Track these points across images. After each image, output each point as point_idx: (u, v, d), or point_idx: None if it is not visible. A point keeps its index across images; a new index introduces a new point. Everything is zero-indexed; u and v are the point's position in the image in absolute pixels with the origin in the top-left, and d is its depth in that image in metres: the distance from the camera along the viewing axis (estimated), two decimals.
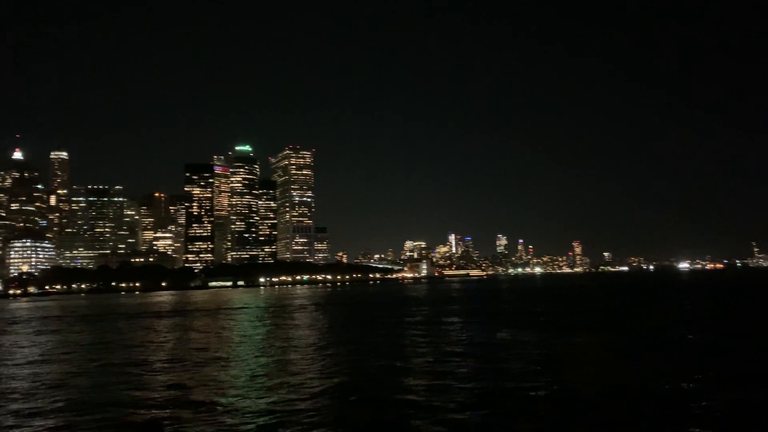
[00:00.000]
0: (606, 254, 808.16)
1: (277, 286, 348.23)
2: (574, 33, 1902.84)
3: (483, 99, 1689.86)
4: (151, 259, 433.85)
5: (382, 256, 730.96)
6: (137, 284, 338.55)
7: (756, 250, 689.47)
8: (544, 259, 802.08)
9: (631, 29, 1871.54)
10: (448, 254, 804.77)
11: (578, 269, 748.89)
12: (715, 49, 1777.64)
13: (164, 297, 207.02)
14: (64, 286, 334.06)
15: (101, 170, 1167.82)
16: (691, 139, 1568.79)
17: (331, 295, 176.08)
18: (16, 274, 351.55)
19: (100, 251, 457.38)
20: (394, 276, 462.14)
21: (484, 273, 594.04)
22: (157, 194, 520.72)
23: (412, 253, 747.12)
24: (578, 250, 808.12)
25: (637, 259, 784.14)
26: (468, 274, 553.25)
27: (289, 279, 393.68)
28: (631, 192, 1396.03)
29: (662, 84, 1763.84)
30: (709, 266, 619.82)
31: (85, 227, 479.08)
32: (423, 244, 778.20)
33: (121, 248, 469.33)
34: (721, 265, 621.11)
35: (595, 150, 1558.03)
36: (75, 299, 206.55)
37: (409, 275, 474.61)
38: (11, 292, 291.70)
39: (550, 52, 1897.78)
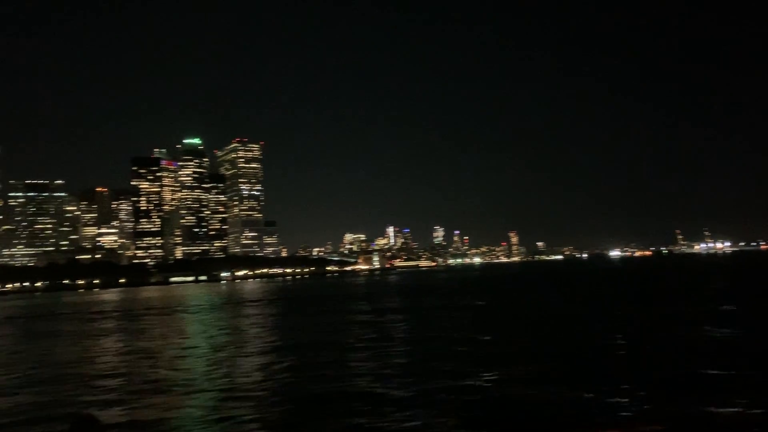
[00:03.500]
0: (540, 244, 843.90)
1: (237, 281, 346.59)
2: (507, 22, 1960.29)
3: (420, 92, 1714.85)
4: (98, 256, 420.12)
5: (322, 249, 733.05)
6: (95, 281, 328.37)
7: (680, 237, 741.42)
8: (482, 249, 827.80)
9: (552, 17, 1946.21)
10: (387, 246, 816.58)
11: (515, 258, 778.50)
12: (649, 38, 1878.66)
13: (145, 293, 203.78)
14: (15, 285, 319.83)
15: (36, 165, 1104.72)
16: (623, 130, 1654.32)
17: (299, 288, 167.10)
18: None
19: (42, 248, 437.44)
20: (350, 268, 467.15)
21: (434, 263, 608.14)
22: (98, 189, 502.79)
23: (351, 246, 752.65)
24: (514, 240, 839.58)
25: (569, 249, 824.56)
26: (417, 265, 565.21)
27: (249, 273, 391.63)
28: (562, 182, 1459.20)
29: (592, 72, 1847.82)
30: (638, 253, 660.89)
31: (24, 224, 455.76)
32: (362, 236, 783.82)
33: (63, 245, 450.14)
34: (649, 252, 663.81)
35: (526, 141, 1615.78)
36: (39, 298, 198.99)
37: (364, 267, 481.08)
38: None
39: (482, 43, 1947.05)
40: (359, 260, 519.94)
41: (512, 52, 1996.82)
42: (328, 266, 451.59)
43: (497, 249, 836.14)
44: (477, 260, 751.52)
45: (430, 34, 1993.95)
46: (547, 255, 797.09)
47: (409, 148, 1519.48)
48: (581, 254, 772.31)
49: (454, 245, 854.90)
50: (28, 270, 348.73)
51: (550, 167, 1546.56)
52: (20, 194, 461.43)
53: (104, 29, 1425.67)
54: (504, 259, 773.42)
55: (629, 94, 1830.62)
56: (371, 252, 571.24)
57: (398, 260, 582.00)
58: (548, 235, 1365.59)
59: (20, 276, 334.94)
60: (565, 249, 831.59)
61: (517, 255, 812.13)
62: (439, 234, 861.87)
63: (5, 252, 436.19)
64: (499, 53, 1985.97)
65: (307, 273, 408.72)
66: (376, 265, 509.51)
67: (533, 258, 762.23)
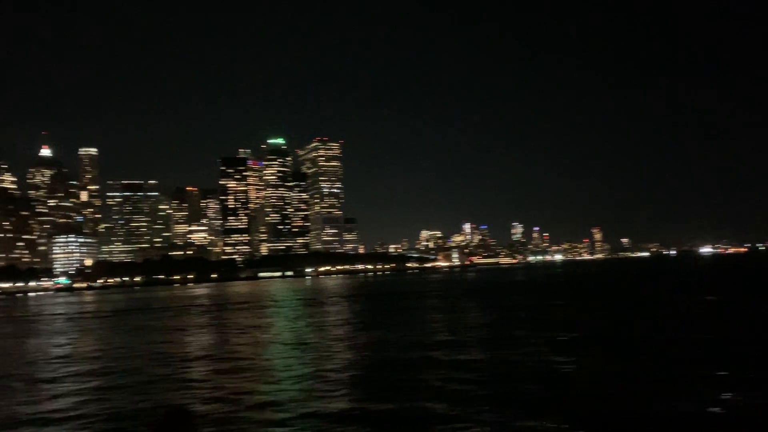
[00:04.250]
0: (624, 240, 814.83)
1: (321, 276, 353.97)
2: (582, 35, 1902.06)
3: (502, 90, 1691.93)
4: (189, 252, 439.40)
5: (398, 246, 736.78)
6: (189, 276, 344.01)
7: None
8: (563, 246, 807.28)
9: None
10: (464, 243, 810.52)
11: (599, 256, 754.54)
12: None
13: (235, 288, 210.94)
14: (117, 280, 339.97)
15: (128, 165, 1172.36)
16: (707, 126, 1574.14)
17: (386, 284, 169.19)
18: (74, 269, 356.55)
19: (137, 245, 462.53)
20: (430, 265, 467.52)
21: (515, 260, 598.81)
22: (188, 188, 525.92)
23: (427, 243, 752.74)
24: (598, 236, 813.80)
25: (656, 245, 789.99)
26: (498, 262, 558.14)
27: (331, 269, 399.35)
28: (647, 176, 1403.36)
29: (672, 72, 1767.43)
30: (731, 250, 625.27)
31: (121, 222, 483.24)
32: (438, 233, 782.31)
33: (157, 242, 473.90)
34: (744, 249, 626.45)
35: (609, 136, 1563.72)
36: (143, 292, 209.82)
37: (444, 264, 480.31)
38: (76, 285, 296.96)
39: (563, 51, 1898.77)
40: (439, 257, 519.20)
41: (603, 54, 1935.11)
42: (407, 263, 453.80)
43: (579, 246, 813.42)
44: (558, 257, 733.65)
45: (521, 35, 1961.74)
46: (632, 252, 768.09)
47: (487, 144, 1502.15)
48: (669, 251, 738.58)
49: (533, 242, 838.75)
50: (127, 266, 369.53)
51: (633, 160, 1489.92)
52: (117, 194, 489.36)
53: (193, 35, 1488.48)
54: (587, 257, 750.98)
55: (721, 87, 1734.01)
56: (450, 249, 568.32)
57: (477, 257, 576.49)
58: (633, 231, 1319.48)
59: (120, 271, 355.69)
60: (652, 246, 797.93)
61: (601, 252, 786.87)
62: (517, 230, 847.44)
63: (104, 249, 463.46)
64: (583, 56, 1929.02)
65: (387, 269, 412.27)
66: (456, 261, 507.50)
67: (617, 255, 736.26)
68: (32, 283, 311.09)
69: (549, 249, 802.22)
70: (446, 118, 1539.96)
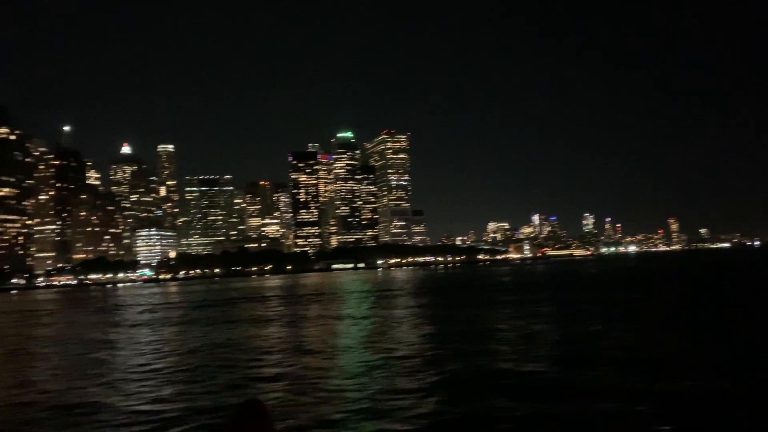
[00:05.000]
0: (703, 231, 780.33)
1: (391, 268, 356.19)
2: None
3: (571, 81, 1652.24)
4: (263, 245, 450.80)
5: (465, 238, 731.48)
6: (265, 268, 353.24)
7: None
8: (638, 237, 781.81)
9: None
10: (533, 234, 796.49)
11: (675, 247, 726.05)
12: None
13: (311, 279, 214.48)
14: (197, 271, 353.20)
15: (202, 161, 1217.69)
16: None
17: (459, 276, 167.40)
18: (156, 261, 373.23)
19: (214, 238, 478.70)
20: (502, 257, 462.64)
21: (589, 252, 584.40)
22: (261, 182, 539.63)
23: (495, 235, 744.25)
24: (674, 226, 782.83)
25: (737, 235, 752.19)
26: (571, 254, 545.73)
27: (401, 261, 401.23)
28: (726, 162, 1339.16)
29: (742, 57, 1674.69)
30: None
31: (198, 216, 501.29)
32: (506, 225, 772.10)
33: (232, 235, 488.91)
34: None
35: (684, 119, 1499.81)
36: (223, 283, 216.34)
37: (515, 256, 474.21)
38: (162, 276, 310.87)
39: (637, 36, 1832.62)
40: (510, 249, 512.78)
41: (677, 43, 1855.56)
42: (478, 255, 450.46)
43: (654, 237, 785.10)
44: (632, 249, 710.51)
45: (589, 32, 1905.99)
46: (712, 243, 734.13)
47: (554, 133, 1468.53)
48: (752, 241, 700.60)
49: (605, 233, 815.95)
50: (206, 258, 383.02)
51: (713, 145, 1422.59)
52: (195, 189, 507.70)
53: (264, 32, 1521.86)
54: (663, 248, 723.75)
55: None
56: (521, 240, 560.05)
57: (549, 249, 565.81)
58: (712, 221, 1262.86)
59: (200, 263, 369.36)
60: (733, 236, 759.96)
61: (678, 243, 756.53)
62: (588, 221, 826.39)
63: (183, 241, 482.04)
64: (668, 42, 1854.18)
65: (457, 261, 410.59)
66: (527, 254, 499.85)
67: (696, 246, 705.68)
68: (120, 275, 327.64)
69: (622, 240, 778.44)
70: (514, 108, 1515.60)
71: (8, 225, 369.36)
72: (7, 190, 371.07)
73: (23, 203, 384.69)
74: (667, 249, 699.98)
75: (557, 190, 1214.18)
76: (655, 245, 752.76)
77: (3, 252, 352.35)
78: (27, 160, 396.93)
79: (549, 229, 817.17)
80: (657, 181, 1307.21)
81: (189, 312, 70.20)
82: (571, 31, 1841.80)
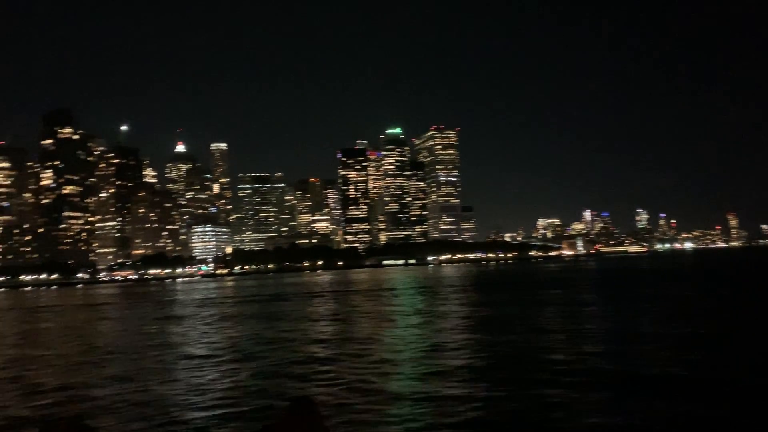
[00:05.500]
0: (765, 226, 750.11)
1: (442, 265, 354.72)
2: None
3: (623, 73, 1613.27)
4: (314, 241, 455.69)
5: (514, 234, 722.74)
6: (317, 263, 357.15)
7: None
8: (694, 233, 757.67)
9: None
10: (585, 231, 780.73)
11: (734, 243, 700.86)
12: None
13: (363, 275, 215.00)
14: (252, 267, 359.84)
15: (254, 158, 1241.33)
16: None
17: (511, 273, 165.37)
18: (212, 257, 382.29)
19: (266, 234, 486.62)
20: (554, 254, 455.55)
21: (645, 249, 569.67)
22: (311, 179, 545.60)
23: (545, 231, 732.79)
24: (733, 222, 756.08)
25: None
26: (626, 250, 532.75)
27: (451, 257, 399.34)
28: None
29: None
30: None
31: (251, 212, 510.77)
32: (557, 221, 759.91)
33: (284, 231, 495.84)
34: None
35: (741, 115, 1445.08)
36: (279, 278, 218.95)
37: (568, 252, 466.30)
38: (218, 271, 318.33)
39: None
40: (563, 245, 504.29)
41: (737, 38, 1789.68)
42: (530, 251, 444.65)
43: (711, 233, 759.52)
44: (688, 245, 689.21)
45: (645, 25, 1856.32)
46: None
47: (606, 127, 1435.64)
48: None
49: (660, 229, 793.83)
50: (260, 253, 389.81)
51: None
52: (247, 186, 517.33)
53: (311, 31, 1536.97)
54: (721, 244, 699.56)
55: None
56: (574, 237, 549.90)
57: (602, 245, 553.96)
58: None
59: (254, 259, 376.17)
60: None
61: (737, 240, 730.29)
62: (642, 217, 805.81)
63: (236, 237, 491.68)
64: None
65: (509, 258, 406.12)
66: (581, 250, 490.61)
67: (756, 242, 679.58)
68: (178, 270, 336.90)
69: (678, 237, 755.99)
70: (562, 101, 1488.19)
71: (72, 222, 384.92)
72: (71, 188, 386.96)
73: (86, 200, 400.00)
74: (726, 245, 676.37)
75: (609, 186, 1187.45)
76: (713, 241, 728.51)
77: (68, 247, 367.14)
78: (89, 159, 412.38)
79: (601, 225, 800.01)
80: (715, 175, 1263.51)
81: (271, 307, 71.80)
82: (629, 33, 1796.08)
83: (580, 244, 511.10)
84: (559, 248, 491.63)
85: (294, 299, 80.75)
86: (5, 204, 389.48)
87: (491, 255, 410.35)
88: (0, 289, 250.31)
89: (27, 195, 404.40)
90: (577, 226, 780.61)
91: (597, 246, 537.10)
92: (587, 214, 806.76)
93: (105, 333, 50.19)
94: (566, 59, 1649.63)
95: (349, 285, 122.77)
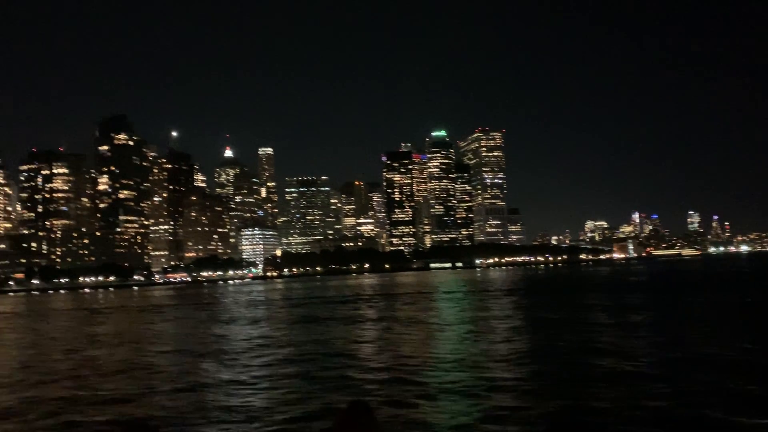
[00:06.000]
0: None
1: (490, 268, 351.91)
2: None
3: (671, 73, 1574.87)
4: (359, 244, 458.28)
5: (560, 237, 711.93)
6: (364, 266, 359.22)
7: None
8: (750, 236, 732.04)
9: None
10: (634, 234, 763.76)
11: None
12: None
13: (410, 278, 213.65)
14: (300, 269, 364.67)
15: (299, 162, 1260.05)
16: None
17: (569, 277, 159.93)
18: (261, 259, 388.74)
19: (312, 237, 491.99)
20: (605, 257, 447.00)
21: (698, 252, 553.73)
22: (356, 182, 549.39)
23: (593, 234, 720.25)
24: None
25: None
26: (679, 254, 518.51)
27: (498, 260, 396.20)
28: None
29: None
30: None
31: (297, 216, 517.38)
32: (605, 224, 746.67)
33: (329, 234, 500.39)
34: None
35: None
36: (328, 281, 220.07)
37: (619, 256, 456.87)
38: (269, 274, 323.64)
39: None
40: (614, 248, 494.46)
41: None
42: (580, 254, 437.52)
43: None
44: (744, 249, 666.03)
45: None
46: None
47: (653, 128, 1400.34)
48: None
49: (712, 232, 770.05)
50: (307, 256, 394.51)
51: None
52: (293, 189, 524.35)
53: (357, 35, 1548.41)
54: None
55: None
56: (624, 240, 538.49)
57: (654, 249, 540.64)
58: None
59: (302, 261, 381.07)
60: None
61: None
62: (694, 220, 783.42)
63: (283, 240, 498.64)
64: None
65: (559, 261, 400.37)
66: (632, 253, 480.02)
67: None
68: (230, 272, 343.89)
69: (733, 239, 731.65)
70: (608, 104, 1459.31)
71: (128, 225, 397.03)
72: (127, 192, 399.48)
73: (141, 204, 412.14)
74: None
75: (658, 188, 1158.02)
76: None
77: (124, 250, 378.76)
78: (143, 164, 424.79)
79: (650, 227, 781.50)
80: None
81: (322, 308, 72.62)
82: (673, 32, 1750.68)
83: (631, 247, 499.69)
84: (610, 251, 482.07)
85: (360, 302, 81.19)
86: (64, 208, 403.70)
87: (539, 258, 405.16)
88: (61, 291, 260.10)
89: (84, 200, 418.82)
90: (626, 229, 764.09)
91: (648, 249, 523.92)
92: (636, 217, 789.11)
93: (220, 334, 48.19)
94: (615, 61, 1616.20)
95: (412, 287, 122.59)
